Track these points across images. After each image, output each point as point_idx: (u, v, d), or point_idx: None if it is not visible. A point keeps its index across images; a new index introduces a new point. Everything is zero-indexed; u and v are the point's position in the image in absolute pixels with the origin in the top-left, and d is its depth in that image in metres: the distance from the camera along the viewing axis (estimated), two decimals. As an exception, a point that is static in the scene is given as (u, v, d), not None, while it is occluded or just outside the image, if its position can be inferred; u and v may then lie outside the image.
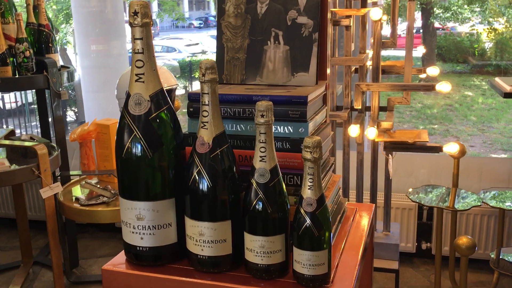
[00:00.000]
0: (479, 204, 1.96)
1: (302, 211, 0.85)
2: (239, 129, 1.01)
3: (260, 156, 0.86)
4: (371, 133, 1.68)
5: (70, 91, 6.69)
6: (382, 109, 1.99)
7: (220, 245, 0.90)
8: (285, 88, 1.06)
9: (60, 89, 2.40)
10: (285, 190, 0.88)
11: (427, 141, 1.71)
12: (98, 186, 2.28)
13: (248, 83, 1.12)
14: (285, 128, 0.98)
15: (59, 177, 2.41)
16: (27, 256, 2.66)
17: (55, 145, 2.42)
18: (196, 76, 7.42)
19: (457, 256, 2.42)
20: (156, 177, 0.91)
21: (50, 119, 2.80)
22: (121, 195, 0.94)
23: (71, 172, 2.52)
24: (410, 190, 2.08)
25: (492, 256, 2.29)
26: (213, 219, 0.89)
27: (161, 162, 0.91)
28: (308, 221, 0.84)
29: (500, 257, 2.28)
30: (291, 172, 0.96)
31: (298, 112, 0.97)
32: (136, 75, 0.90)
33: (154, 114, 0.90)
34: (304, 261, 0.85)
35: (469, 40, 11.42)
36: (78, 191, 2.33)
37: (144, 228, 0.92)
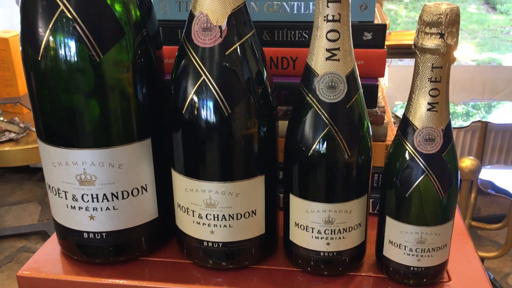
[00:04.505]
0: (479, 119, 1.67)
1: (412, 152, 0.44)
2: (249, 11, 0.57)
3: (328, 50, 0.43)
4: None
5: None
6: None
7: (246, 222, 0.49)
8: None
9: None
10: (367, 116, 0.47)
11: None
12: (2, 118, 1.75)
13: None
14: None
15: None
16: None
17: None
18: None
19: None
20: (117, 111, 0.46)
21: None
22: (43, 140, 0.48)
23: (-38, 102, 1.93)
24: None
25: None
26: (232, 177, 0.47)
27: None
28: (427, 172, 0.44)
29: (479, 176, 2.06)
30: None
31: (361, -27, 0.54)
32: None
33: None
34: (412, 244, 0.46)
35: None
36: (-27, 127, 1.78)
37: (95, 199, 0.48)
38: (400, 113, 1.75)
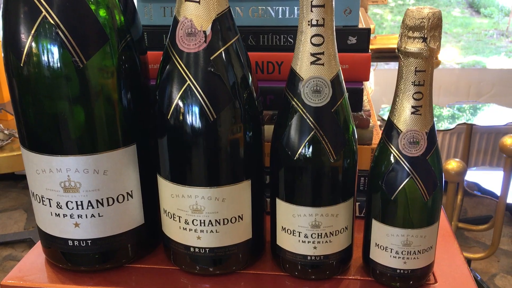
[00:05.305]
0: (464, 122, 1.69)
1: (397, 155, 0.44)
2: (234, 16, 0.57)
3: (313, 54, 0.43)
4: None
5: None
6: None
7: (232, 227, 0.49)
8: None
9: None
10: (352, 120, 0.47)
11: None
12: (-15, 126, 1.73)
13: None
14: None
15: None
16: None
17: None
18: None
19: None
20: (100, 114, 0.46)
21: None
22: (34, 149, 0.48)
23: None
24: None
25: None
26: (218, 182, 0.47)
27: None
28: (411, 174, 0.44)
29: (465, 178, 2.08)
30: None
31: (344, -23, 0.54)
32: None
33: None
34: (398, 247, 0.46)
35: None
36: (-43, 134, 1.75)
37: (80, 206, 0.48)
38: (386, 116, 1.76)
